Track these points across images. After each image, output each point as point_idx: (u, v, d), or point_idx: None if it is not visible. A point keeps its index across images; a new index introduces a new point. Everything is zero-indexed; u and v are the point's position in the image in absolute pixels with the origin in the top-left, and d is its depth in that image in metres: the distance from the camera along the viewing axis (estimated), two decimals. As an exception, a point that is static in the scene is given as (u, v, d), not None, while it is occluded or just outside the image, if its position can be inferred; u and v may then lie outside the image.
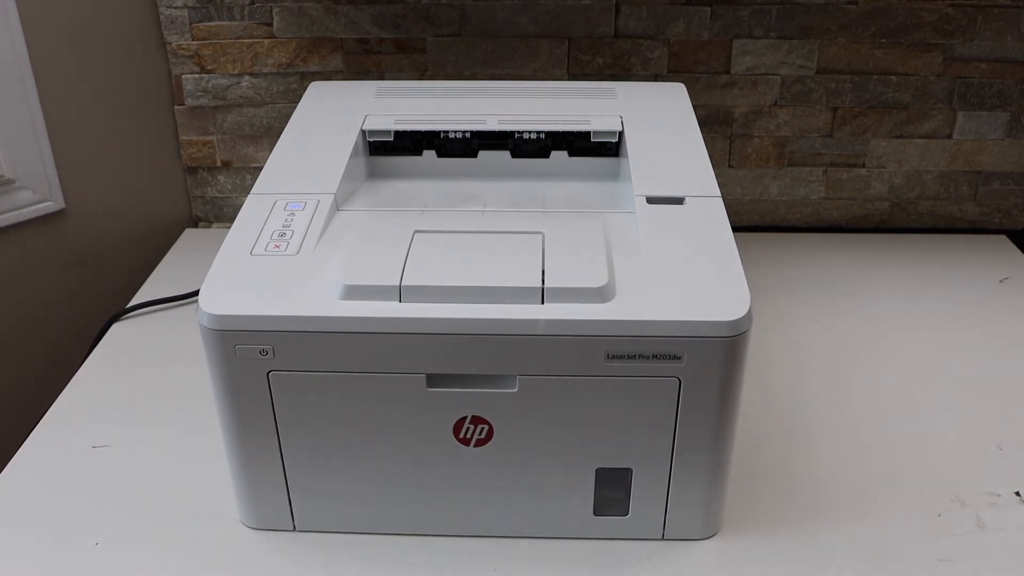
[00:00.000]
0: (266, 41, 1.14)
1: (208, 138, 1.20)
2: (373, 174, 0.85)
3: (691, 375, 0.64)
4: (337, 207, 0.75)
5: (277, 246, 0.69)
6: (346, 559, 0.72)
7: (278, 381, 0.66)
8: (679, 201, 0.74)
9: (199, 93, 1.17)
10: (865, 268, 1.12)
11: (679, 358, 0.64)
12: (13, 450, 0.84)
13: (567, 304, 0.63)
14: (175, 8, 1.12)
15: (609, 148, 0.84)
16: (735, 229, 0.71)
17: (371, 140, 0.85)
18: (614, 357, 0.64)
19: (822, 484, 0.79)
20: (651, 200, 0.74)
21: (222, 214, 1.25)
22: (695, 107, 0.90)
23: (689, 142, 0.83)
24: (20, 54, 1.02)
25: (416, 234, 0.69)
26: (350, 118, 0.86)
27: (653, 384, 0.65)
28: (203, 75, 1.16)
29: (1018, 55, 1.12)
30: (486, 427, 0.68)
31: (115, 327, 1.03)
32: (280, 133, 0.85)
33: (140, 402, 0.90)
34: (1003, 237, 1.19)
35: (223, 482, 0.74)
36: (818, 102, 1.16)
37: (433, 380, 0.66)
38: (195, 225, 1.26)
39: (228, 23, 1.13)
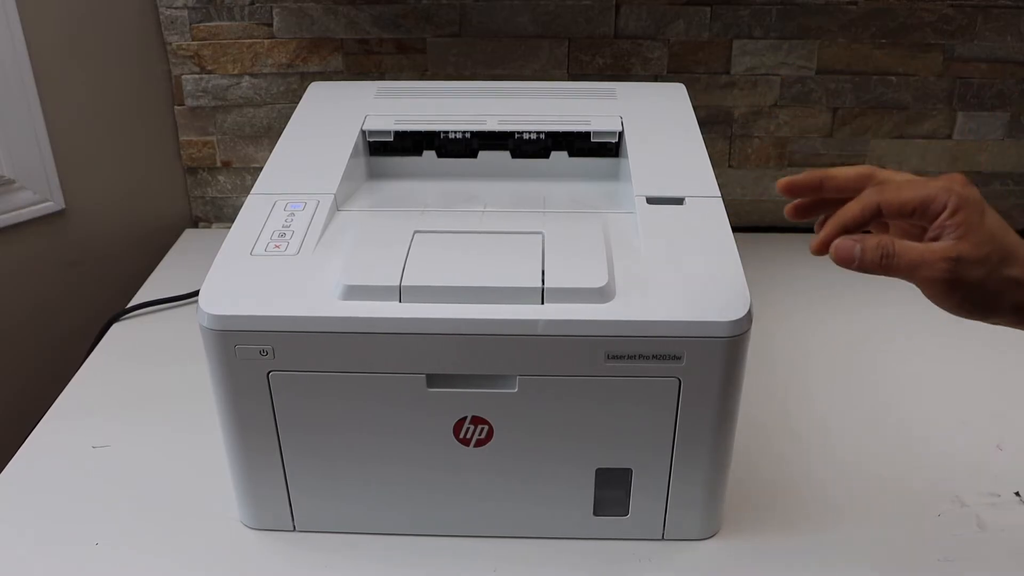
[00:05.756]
0: (266, 41, 1.14)
1: (208, 138, 1.20)
2: (373, 174, 0.85)
3: (691, 375, 0.64)
4: (337, 207, 0.75)
5: (277, 246, 0.69)
6: (346, 559, 0.72)
7: (278, 381, 0.66)
8: (679, 201, 0.74)
9: (199, 93, 1.17)
10: (865, 268, 1.12)
11: (679, 358, 0.64)
12: (13, 450, 0.84)
13: (567, 304, 0.63)
14: (175, 8, 1.12)
15: (609, 148, 0.84)
16: (735, 229, 0.71)
17: (371, 140, 0.85)
18: (614, 357, 0.64)
19: (822, 484, 0.79)
20: (651, 200, 0.74)
21: (222, 214, 1.25)
22: (695, 107, 0.90)
23: (689, 142, 0.83)
24: (20, 54, 1.02)
25: (416, 234, 0.69)
26: (350, 118, 0.86)
27: (653, 384, 0.65)
28: (203, 75, 1.16)
29: (1018, 55, 1.12)
30: (486, 427, 0.68)
31: (115, 327, 1.03)
32: (280, 133, 0.85)
33: (140, 402, 0.90)
34: (1003, 237, 1.19)
35: (223, 482, 0.74)
36: (818, 102, 1.16)
37: (433, 380, 0.66)
38: (195, 225, 1.26)
39: (228, 23, 1.13)
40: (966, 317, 0.57)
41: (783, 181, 0.60)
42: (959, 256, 0.54)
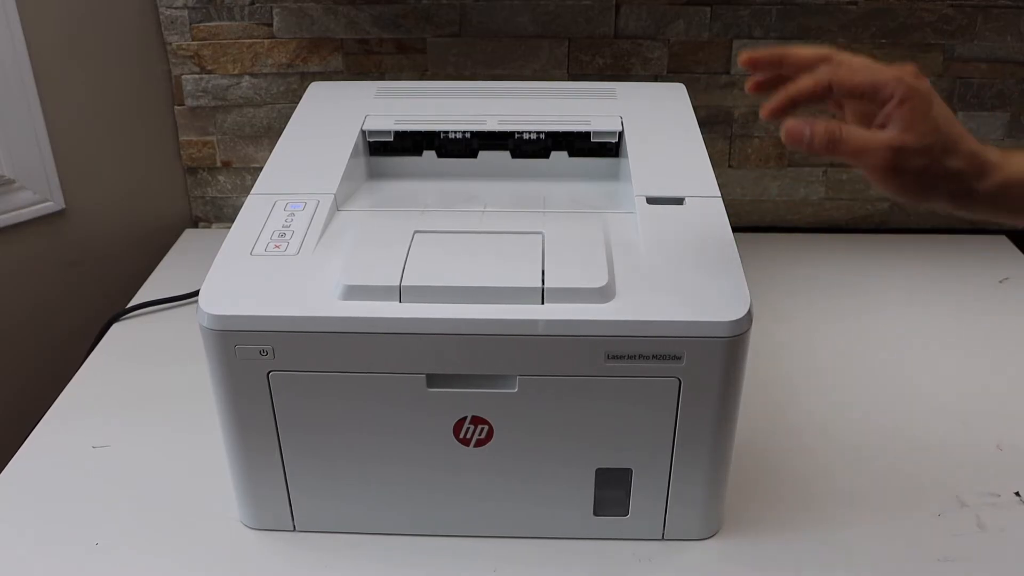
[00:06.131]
0: (266, 41, 1.14)
1: (208, 138, 1.20)
2: (373, 174, 0.85)
3: (691, 375, 0.64)
4: (337, 207, 0.75)
5: (277, 246, 0.69)
6: (346, 559, 0.72)
7: (278, 381, 0.66)
8: (679, 201, 0.74)
9: (199, 93, 1.17)
10: (865, 269, 1.12)
11: (679, 358, 0.64)
12: (13, 450, 0.84)
13: (567, 304, 0.63)
14: (175, 8, 1.12)
15: (609, 148, 0.84)
16: (735, 229, 0.71)
17: (371, 140, 0.85)
18: (614, 357, 0.64)
19: (822, 484, 0.79)
20: (651, 200, 0.74)
21: (222, 214, 1.25)
22: (695, 107, 0.90)
23: (689, 142, 0.83)
24: (20, 54, 1.02)
25: (416, 234, 0.69)
26: (350, 118, 0.86)
27: (653, 384, 0.65)
28: (203, 75, 1.16)
29: (1018, 55, 1.12)
30: (486, 427, 0.68)
31: (115, 327, 1.03)
32: (280, 133, 0.85)
33: (140, 402, 0.90)
34: (1003, 237, 1.19)
35: (223, 482, 0.74)
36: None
37: (433, 380, 0.66)
38: (195, 225, 1.26)
39: (228, 23, 1.13)
40: (904, 200, 0.59)
41: (744, 54, 0.62)
42: (902, 146, 0.56)
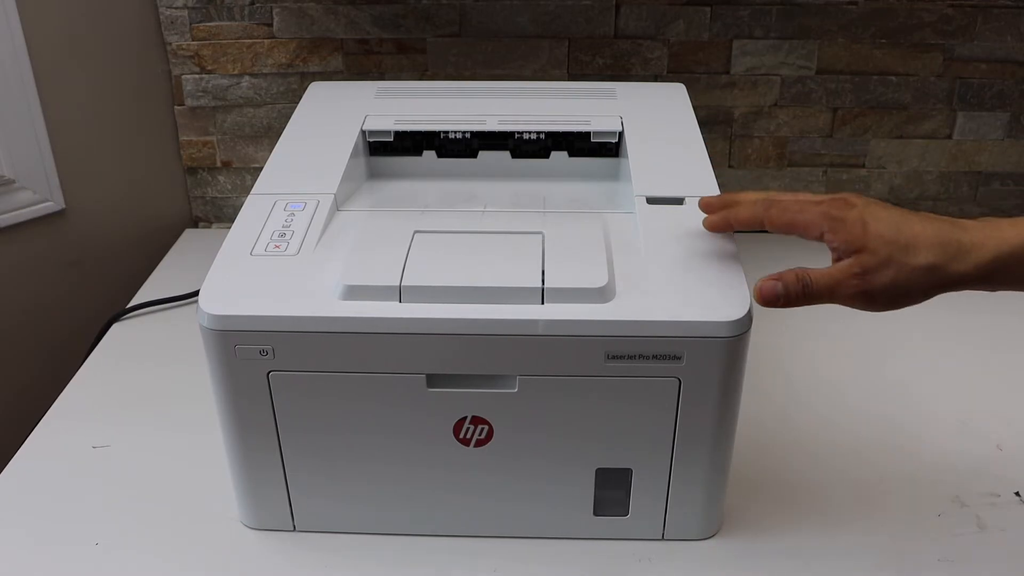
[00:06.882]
0: (266, 41, 1.14)
1: (208, 138, 1.20)
2: (373, 174, 0.85)
3: (691, 375, 0.64)
4: (337, 207, 0.75)
5: (277, 246, 0.69)
6: (346, 559, 0.72)
7: (278, 381, 0.66)
8: (679, 201, 0.74)
9: (199, 93, 1.17)
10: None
11: (679, 358, 0.64)
12: (13, 450, 0.84)
13: (567, 304, 0.63)
14: (175, 8, 1.12)
15: (609, 148, 0.84)
16: (735, 229, 0.71)
17: (371, 140, 0.85)
18: (614, 357, 0.64)
19: (822, 484, 0.79)
20: (651, 200, 0.74)
21: (222, 214, 1.25)
22: (695, 107, 0.90)
23: (689, 142, 0.83)
24: (20, 54, 1.02)
25: (416, 234, 0.69)
26: (350, 118, 0.86)
27: (653, 384, 0.65)
28: (203, 75, 1.16)
29: (1018, 55, 1.12)
30: (486, 427, 0.68)
31: (115, 327, 1.03)
32: (280, 133, 0.85)
33: (140, 402, 0.90)
34: (1003, 237, 1.19)
35: (223, 482, 0.74)
36: (818, 102, 1.16)
37: (433, 380, 0.66)
38: (195, 225, 1.26)
39: (228, 23, 1.13)
40: (898, 309, 0.60)
41: (706, 216, 0.69)
42: (863, 269, 0.58)
